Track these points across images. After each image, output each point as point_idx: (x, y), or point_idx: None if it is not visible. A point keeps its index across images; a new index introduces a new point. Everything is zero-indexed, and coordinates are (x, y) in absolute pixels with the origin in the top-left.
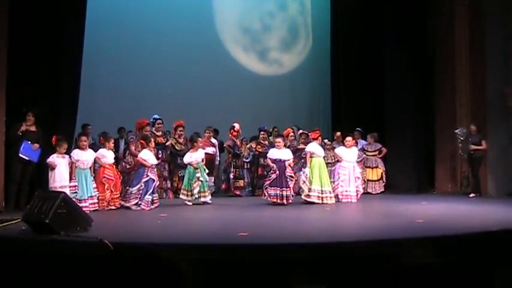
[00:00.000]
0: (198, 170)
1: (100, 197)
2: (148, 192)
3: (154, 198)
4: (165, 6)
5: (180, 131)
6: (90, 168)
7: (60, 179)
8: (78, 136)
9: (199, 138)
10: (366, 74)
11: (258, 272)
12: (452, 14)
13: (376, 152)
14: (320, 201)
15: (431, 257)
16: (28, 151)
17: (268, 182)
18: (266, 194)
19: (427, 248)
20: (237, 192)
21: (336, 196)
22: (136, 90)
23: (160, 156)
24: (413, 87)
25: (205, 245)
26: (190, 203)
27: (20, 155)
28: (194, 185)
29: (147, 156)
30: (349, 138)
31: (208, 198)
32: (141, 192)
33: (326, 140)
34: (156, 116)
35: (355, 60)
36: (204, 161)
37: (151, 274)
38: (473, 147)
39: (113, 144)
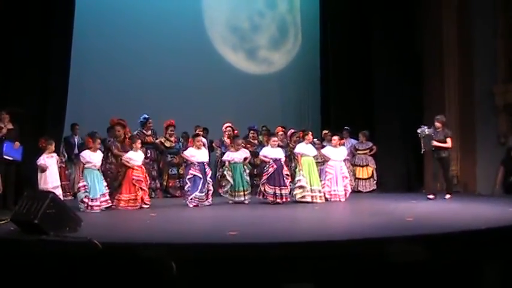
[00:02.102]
0: (229, 169)
1: (132, 197)
2: (198, 189)
3: (203, 196)
4: (154, 5)
5: (170, 130)
6: (98, 169)
7: (52, 179)
8: (87, 136)
9: (240, 140)
10: (355, 73)
11: (246, 270)
12: (440, 14)
13: (367, 150)
14: (310, 200)
15: (420, 255)
16: (11, 151)
17: (265, 177)
18: (262, 190)
19: (417, 246)
20: (221, 191)
21: (324, 196)
22: (124, 89)
23: (149, 155)
24: (403, 86)
25: (195, 244)
26: (247, 202)
27: (4, 156)
28: (223, 183)
29: (193, 153)
30: (335, 138)
31: (242, 199)
32: (189, 189)
33: (316, 140)
34: (146, 116)
35: (344, 59)
36: (248, 160)
37: (140, 273)
38: (435, 143)
39: (140, 145)
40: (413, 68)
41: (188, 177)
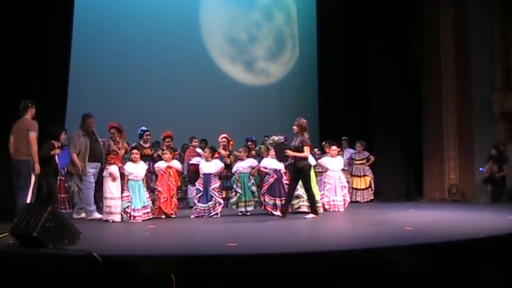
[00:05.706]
0: (239, 180)
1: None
2: (198, 201)
3: (206, 207)
4: (152, 18)
5: (167, 141)
6: (142, 180)
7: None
8: (130, 149)
9: (241, 149)
10: (353, 83)
11: (247, 282)
12: (437, 23)
13: (364, 160)
14: (307, 210)
15: (420, 265)
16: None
17: (266, 187)
18: (262, 200)
19: (416, 256)
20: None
21: (323, 206)
22: (122, 101)
23: (147, 167)
24: (401, 95)
25: (194, 256)
26: (249, 213)
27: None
28: (232, 194)
29: (201, 165)
30: (334, 148)
31: (245, 209)
32: (194, 200)
33: (316, 150)
34: (143, 128)
35: (342, 69)
36: (255, 170)
37: (139, 286)
38: (289, 153)
39: (170, 156)
40: (411, 77)
41: (194, 188)
